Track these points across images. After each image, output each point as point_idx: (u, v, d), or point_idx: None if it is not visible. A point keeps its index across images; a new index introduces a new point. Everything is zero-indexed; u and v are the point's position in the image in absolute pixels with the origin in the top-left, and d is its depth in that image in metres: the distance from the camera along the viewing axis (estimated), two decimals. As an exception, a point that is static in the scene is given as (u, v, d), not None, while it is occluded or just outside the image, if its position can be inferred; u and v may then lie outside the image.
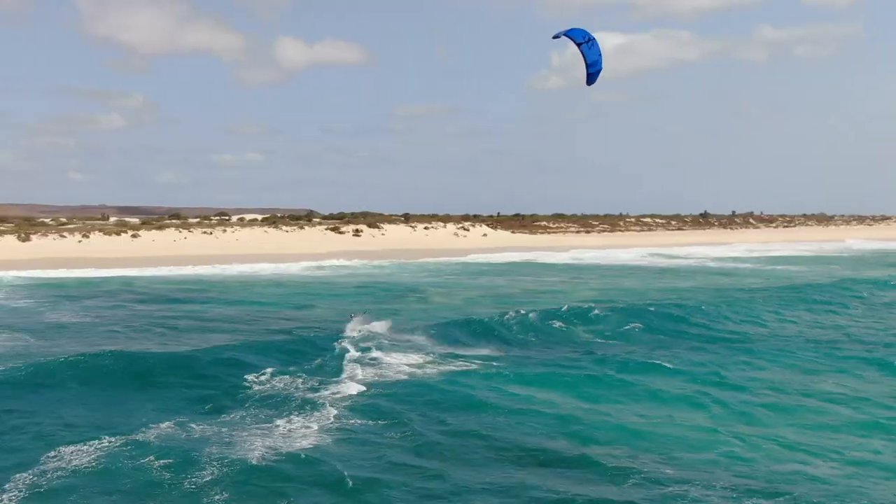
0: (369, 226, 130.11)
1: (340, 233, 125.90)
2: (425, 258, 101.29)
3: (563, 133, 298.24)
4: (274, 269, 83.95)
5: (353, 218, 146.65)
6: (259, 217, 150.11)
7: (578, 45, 27.39)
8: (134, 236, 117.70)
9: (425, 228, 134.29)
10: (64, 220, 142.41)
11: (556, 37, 26.93)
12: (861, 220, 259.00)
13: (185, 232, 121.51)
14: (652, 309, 46.55)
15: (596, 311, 45.01)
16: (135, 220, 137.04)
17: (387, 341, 36.84)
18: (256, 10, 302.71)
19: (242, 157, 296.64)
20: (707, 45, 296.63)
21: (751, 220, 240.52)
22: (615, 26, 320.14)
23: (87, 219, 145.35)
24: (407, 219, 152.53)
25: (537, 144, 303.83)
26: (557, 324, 42.72)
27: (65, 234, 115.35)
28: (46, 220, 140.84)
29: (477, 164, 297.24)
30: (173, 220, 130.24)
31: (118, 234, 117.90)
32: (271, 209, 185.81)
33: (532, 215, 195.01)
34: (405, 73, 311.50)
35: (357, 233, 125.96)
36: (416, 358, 33.44)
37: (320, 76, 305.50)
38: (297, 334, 39.51)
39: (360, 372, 30.67)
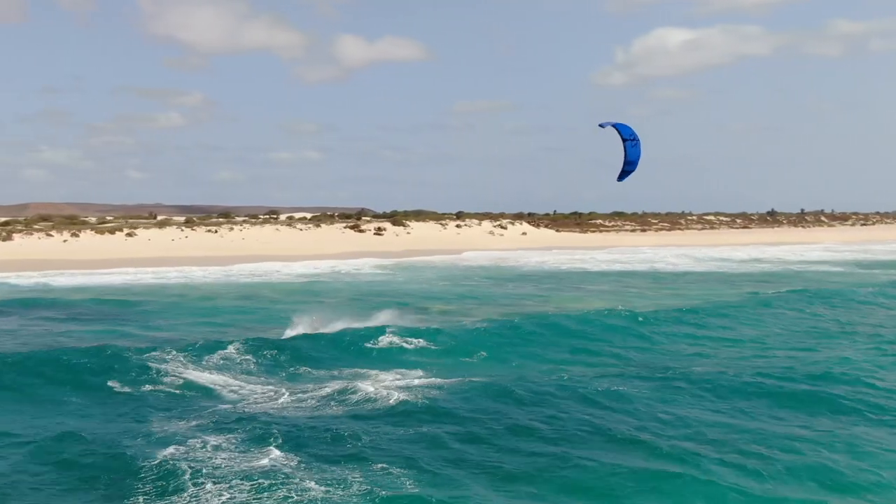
0: (394, 223, 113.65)
1: (360, 231, 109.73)
2: (446, 257, 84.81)
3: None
4: (252, 271, 68.25)
5: (404, 216, 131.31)
6: (308, 216, 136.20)
7: (623, 141, 25.71)
8: (129, 235, 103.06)
9: (457, 227, 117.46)
10: (111, 218, 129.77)
11: (602, 126, 25.38)
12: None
13: (187, 230, 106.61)
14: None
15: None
16: (179, 219, 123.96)
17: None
18: (316, 7, 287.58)
19: (299, 155, 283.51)
20: (776, 39, 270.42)
21: (822, 219, 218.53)
22: (680, 21, 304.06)
23: (131, 217, 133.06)
24: (459, 216, 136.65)
25: (599, 142, 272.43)
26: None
27: (52, 232, 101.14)
28: (90, 219, 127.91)
29: (536, 162, 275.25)
30: (176, 219, 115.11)
31: (112, 233, 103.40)
32: (325, 208, 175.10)
33: (590, 213, 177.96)
34: (464, 70, 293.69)
35: (379, 231, 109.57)
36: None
37: (379, 73, 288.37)
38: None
39: None
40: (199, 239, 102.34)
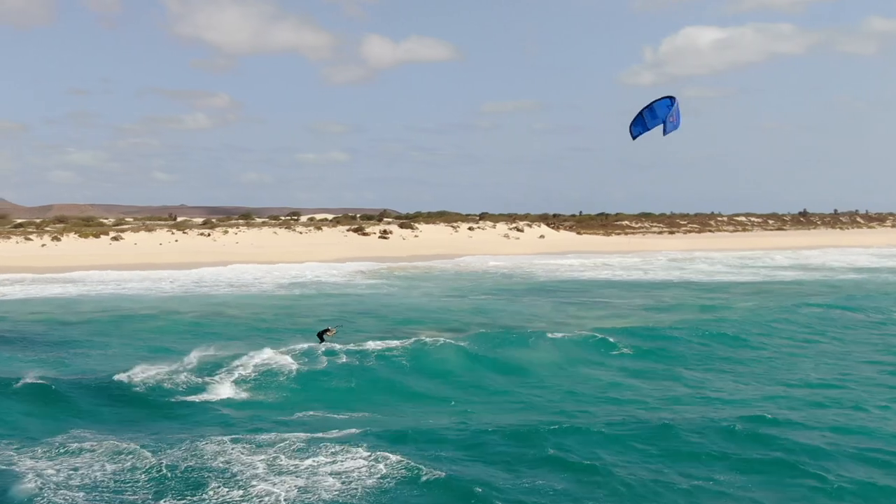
0: (401, 227, 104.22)
1: (364, 234, 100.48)
2: (454, 263, 75.51)
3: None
4: (230, 279, 59.24)
5: (426, 218, 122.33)
6: (329, 217, 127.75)
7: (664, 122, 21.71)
8: (115, 239, 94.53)
9: (470, 229, 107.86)
10: (131, 220, 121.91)
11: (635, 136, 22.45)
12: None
13: (178, 233, 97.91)
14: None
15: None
16: (197, 221, 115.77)
17: None
18: (344, 8, 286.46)
19: (326, 156, 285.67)
20: (810, 37, 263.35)
21: (858, 219, 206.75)
22: (711, 20, 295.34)
23: (149, 219, 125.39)
24: (481, 218, 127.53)
25: (627, 141, 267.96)
26: None
27: (32, 236, 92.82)
28: (106, 221, 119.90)
29: (564, 162, 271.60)
30: (165, 221, 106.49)
31: (97, 236, 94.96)
32: (351, 209, 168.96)
33: (616, 214, 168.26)
34: (492, 70, 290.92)
35: (384, 235, 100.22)
36: None
37: (407, 74, 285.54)
38: None
39: None
40: (189, 243, 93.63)
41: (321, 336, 30.18)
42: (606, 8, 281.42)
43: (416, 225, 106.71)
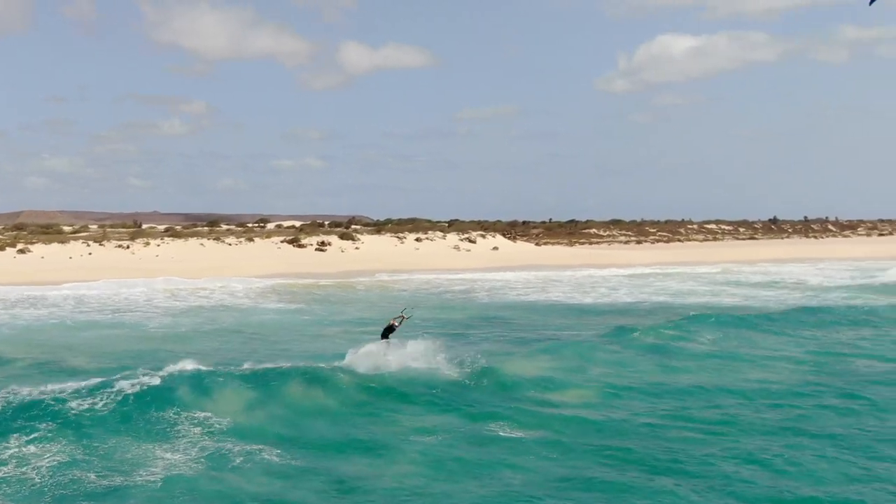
0: (341, 237, 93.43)
1: (300, 246, 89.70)
2: (391, 279, 65.29)
3: (629, 136, 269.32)
4: (104, 300, 48.56)
5: (399, 224, 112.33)
6: (297, 224, 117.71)
7: None
8: (22, 252, 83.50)
9: (417, 240, 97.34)
10: (95, 227, 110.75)
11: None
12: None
13: (94, 245, 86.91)
14: None
15: None
16: (160, 228, 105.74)
17: None
18: (322, 15, 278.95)
19: (302, 163, 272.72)
20: (782, 45, 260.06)
21: (829, 227, 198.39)
22: (686, 28, 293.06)
23: (111, 226, 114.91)
24: (450, 225, 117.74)
25: (602, 148, 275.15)
26: None
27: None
28: (66, 228, 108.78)
29: (540, 168, 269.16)
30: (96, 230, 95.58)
31: (2, 248, 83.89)
32: (325, 216, 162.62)
33: (586, 222, 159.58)
34: (469, 76, 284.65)
35: (322, 247, 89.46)
36: None
37: (384, 80, 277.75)
38: None
39: None
40: (104, 257, 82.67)
41: (386, 334, 27.23)
42: (582, 15, 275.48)
43: (359, 236, 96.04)
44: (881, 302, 50.47)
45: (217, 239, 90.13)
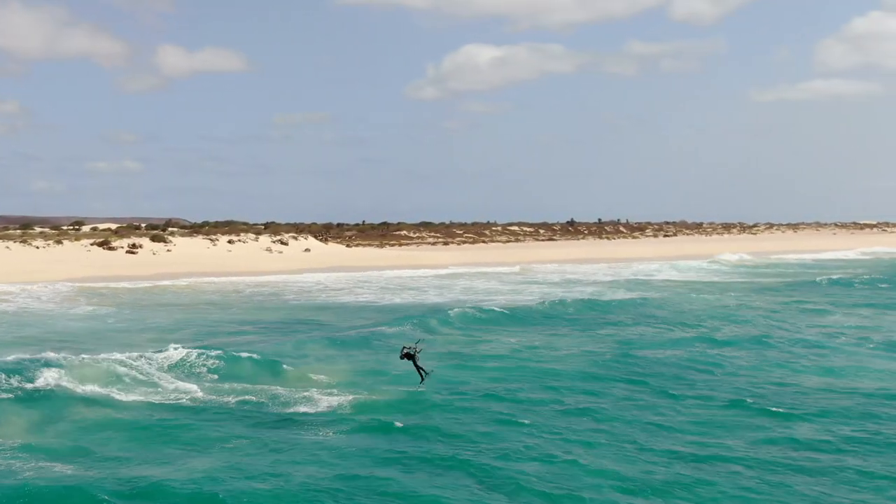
0: (153, 240, 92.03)
1: (111, 249, 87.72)
2: (209, 281, 65.40)
3: (439, 142, 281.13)
4: None
5: (215, 227, 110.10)
6: (113, 227, 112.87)
7: None
8: None
9: (229, 242, 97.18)
10: None
11: None
12: (727, 228, 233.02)
13: None
14: None
15: None
16: None
17: None
18: (138, 17, 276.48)
19: (118, 165, 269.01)
20: (578, 58, 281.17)
21: (621, 229, 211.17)
22: (490, 39, 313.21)
23: None
24: (266, 228, 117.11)
25: (413, 154, 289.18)
26: None
27: None
28: None
29: (353, 173, 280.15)
30: None
31: None
32: (143, 218, 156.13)
33: (397, 224, 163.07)
34: (284, 82, 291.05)
35: (133, 249, 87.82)
36: None
37: (201, 84, 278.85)
38: None
39: None
40: None
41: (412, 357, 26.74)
42: (393, 24, 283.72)
43: (171, 239, 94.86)
44: (649, 296, 55.97)
45: (24, 242, 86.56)
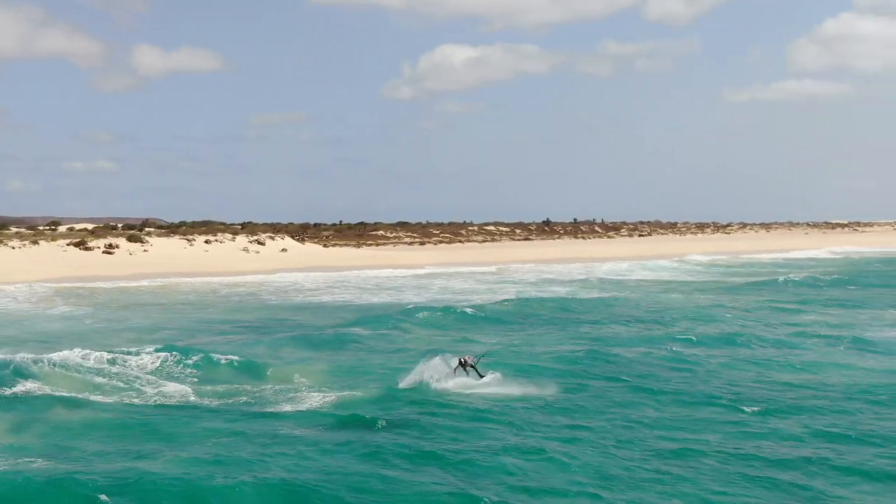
0: (130, 240, 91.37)
1: (87, 249, 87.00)
2: (188, 282, 65.02)
3: (415, 142, 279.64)
4: None
5: (192, 227, 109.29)
6: (90, 227, 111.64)
7: None
8: None
9: (206, 242, 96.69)
10: None
11: None
12: (701, 227, 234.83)
13: None
14: None
15: None
16: None
17: None
18: (114, 16, 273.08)
19: (94, 165, 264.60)
20: (552, 58, 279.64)
21: (596, 228, 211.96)
22: (465, 39, 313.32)
23: None
24: (243, 228, 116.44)
25: (389, 153, 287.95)
26: None
27: None
28: None
29: (330, 172, 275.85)
30: None
31: None
32: (119, 218, 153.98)
33: (374, 224, 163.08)
34: (261, 82, 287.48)
35: (109, 249, 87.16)
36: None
37: (177, 84, 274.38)
38: None
39: None
40: None
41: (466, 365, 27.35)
42: (370, 24, 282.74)
43: (148, 239, 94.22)
44: (624, 295, 56.34)
45: (0, 242, 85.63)
